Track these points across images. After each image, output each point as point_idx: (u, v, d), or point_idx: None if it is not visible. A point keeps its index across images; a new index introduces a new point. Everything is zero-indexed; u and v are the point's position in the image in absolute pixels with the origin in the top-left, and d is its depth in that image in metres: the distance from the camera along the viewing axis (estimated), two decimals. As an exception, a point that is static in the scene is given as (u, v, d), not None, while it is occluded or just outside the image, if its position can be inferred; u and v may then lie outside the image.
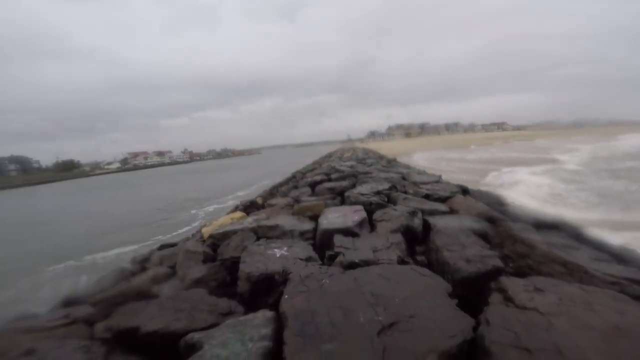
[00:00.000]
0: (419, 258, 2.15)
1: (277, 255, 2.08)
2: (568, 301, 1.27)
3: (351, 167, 7.43)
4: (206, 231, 2.99)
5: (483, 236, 2.21)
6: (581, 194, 9.85)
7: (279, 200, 4.04)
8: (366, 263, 1.85)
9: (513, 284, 1.44)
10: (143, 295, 1.89)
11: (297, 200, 3.82)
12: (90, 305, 1.85)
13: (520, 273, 1.72)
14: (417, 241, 2.45)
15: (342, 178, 5.18)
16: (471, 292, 1.59)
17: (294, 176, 8.25)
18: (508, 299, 1.35)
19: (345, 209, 3.06)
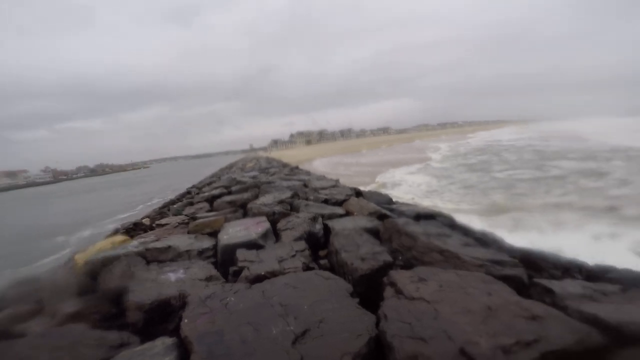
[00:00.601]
0: (323, 262, 2.21)
1: (172, 279, 1.93)
2: (447, 287, 1.42)
3: (254, 177, 7.26)
4: (80, 258, 2.48)
5: (375, 234, 2.39)
6: (452, 187, 11.81)
7: (171, 219, 3.66)
8: (273, 274, 1.83)
9: (401, 277, 1.56)
10: (1, 336, 1.49)
11: (193, 218, 3.51)
12: None
13: (408, 265, 1.88)
14: (320, 246, 2.52)
15: (244, 190, 4.99)
16: (370, 289, 1.68)
17: (188, 192, 7.60)
18: (399, 292, 1.45)
19: (248, 221, 2.97)
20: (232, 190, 5.16)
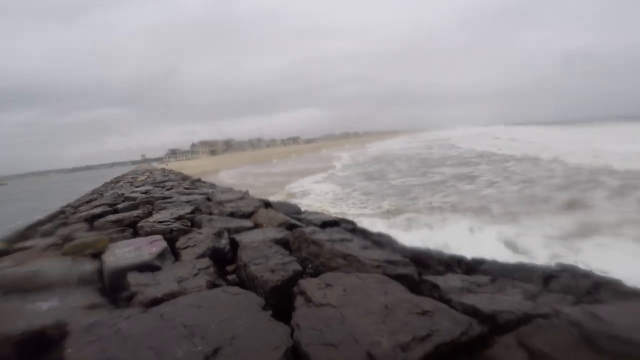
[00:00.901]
0: (231, 278, 2.13)
1: (45, 308, 1.66)
2: (351, 291, 1.51)
3: (146, 192, 6.52)
4: None
5: (285, 244, 2.40)
6: (354, 194, 12.70)
7: (38, 242, 3.03)
8: (172, 296, 1.68)
9: (309, 285, 1.60)
10: None
11: (68, 239, 2.97)
12: None
13: (318, 272, 1.93)
14: (227, 261, 2.43)
15: (134, 207, 4.43)
16: (282, 300, 1.67)
17: (62, 211, 6.37)
18: (308, 300, 1.48)
19: (139, 241, 2.66)
20: (119, 208, 4.52)
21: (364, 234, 2.78)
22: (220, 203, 4.06)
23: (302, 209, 4.07)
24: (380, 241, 2.37)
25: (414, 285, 1.70)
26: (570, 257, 5.25)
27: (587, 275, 1.98)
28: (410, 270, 1.82)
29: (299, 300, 1.52)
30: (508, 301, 1.45)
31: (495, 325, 1.29)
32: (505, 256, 5.39)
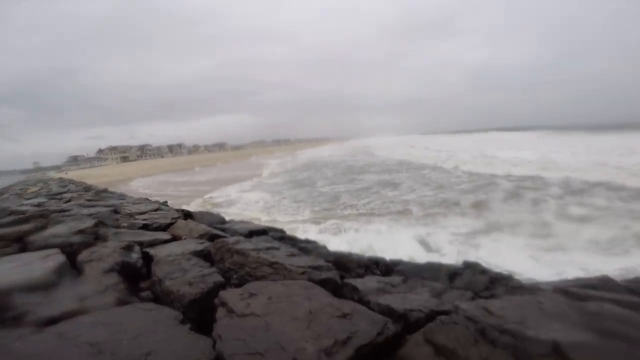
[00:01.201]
0: (145, 294, 1.99)
1: None
2: (276, 299, 1.52)
3: (38, 205, 5.60)
4: None
5: (206, 256, 2.31)
6: (285, 202, 12.72)
7: None
8: (72, 314, 1.52)
9: (231, 295, 1.57)
10: None
11: None
12: None
13: (243, 282, 1.91)
14: (141, 277, 2.23)
15: (23, 221, 3.76)
16: (203, 313, 1.62)
17: None
18: (230, 311, 1.46)
19: (29, 256, 2.31)
20: (2, 223, 3.80)
21: (292, 241, 2.81)
22: (131, 215, 3.70)
23: (229, 219, 3.94)
24: (307, 248, 2.43)
25: (337, 289, 1.78)
26: (473, 253, 6.05)
27: (484, 271, 2.29)
28: (333, 274, 1.90)
29: (220, 312, 1.49)
30: (418, 300, 1.61)
31: (407, 324, 1.41)
32: (420, 255, 6.00)
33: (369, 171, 20.52)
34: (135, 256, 2.34)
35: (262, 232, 2.99)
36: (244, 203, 13.20)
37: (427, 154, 27.99)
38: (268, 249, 2.19)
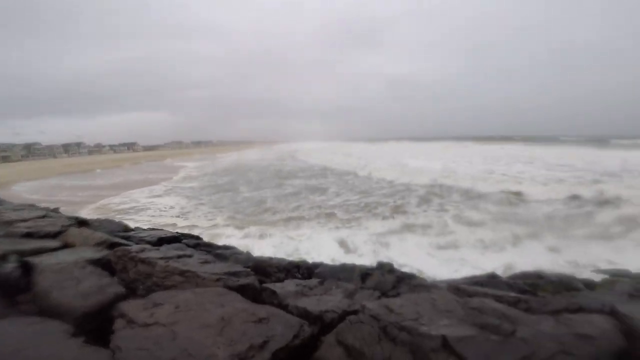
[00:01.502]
0: (26, 307, 1.74)
1: None
2: (184, 307, 1.47)
3: None
4: None
5: (105, 265, 2.10)
6: (204, 208, 12.06)
7: None
8: None
9: (132, 307, 1.49)
10: None
11: None
12: None
13: (151, 292, 1.78)
14: (21, 289, 1.90)
15: None
16: (102, 326, 1.49)
17: None
18: (130, 321, 1.39)
19: None
20: None
21: (208, 247, 2.68)
22: (10, 223, 3.11)
23: (136, 226, 3.58)
24: (224, 254, 2.34)
25: (257, 294, 1.77)
26: (385, 253, 6.58)
27: (392, 271, 2.50)
28: (252, 279, 1.88)
29: (118, 323, 1.41)
30: (332, 301, 1.69)
31: (323, 325, 1.46)
32: (340, 256, 6.28)
33: (296, 176, 20.70)
34: (10, 266, 1.99)
35: (174, 239, 2.79)
36: (157, 209, 12.20)
37: (349, 160, 29.42)
38: (179, 257, 2.07)
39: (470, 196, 11.70)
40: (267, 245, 7.38)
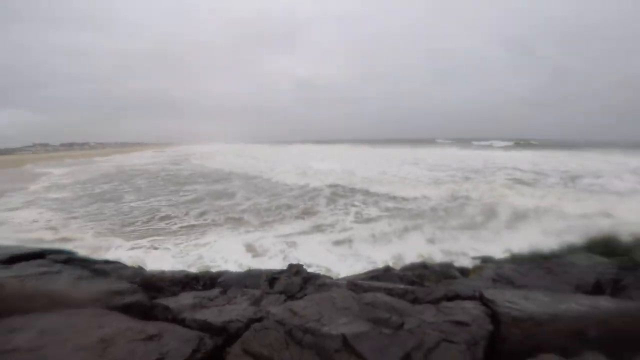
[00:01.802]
0: None
1: None
2: (52, 330, 1.26)
3: None
4: None
5: None
6: (79, 221, 10.33)
7: None
8: None
9: None
10: None
11: None
12: None
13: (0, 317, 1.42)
14: None
15: None
16: None
17: None
18: None
19: None
20: None
21: (84, 262, 2.27)
22: None
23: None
24: (104, 269, 2.01)
25: (147, 311, 1.57)
26: (295, 253, 6.69)
27: (299, 272, 2.52)
28: (139, 297, 1.67)
29: None
30: (237, 310, 1.61)
31: (228, 336, 1.38)
32: (247, 261, 6.12)
33: (197, 181, 19.26)
34: None
35: (36, 255, 2.28)
36: (15, 224, 9.97)
37: (256, 163, 28.91)
38: (42, 274, 1.69)
39: (371, 195, 12.74)
40: (166, 256, 6.78)
